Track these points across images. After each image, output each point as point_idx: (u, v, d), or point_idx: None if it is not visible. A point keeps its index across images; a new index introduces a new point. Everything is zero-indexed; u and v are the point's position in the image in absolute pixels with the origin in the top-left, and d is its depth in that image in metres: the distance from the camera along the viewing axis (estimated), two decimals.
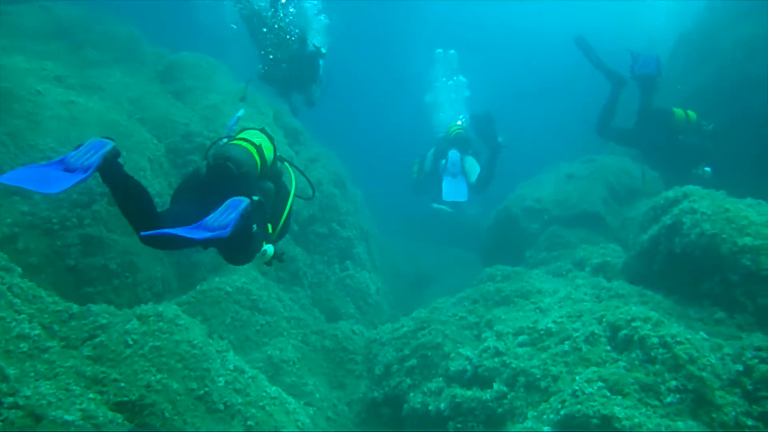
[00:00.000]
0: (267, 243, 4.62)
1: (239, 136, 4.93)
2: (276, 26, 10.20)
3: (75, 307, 6.13)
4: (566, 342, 6.02)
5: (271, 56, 10.26)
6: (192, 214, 4.18)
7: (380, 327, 8.93)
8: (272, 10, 10.26)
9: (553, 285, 7.66)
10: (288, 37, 10.26)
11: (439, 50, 15.98)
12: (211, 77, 11.66)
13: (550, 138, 19.68)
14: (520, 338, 6.47)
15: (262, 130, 5.15)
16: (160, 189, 8.93)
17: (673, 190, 7.60)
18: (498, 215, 12.19)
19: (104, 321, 6.05)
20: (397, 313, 11.70)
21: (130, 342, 5.85)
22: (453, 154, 11.79)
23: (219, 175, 4.47)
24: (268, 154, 4.94)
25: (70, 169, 3.65)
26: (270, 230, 4.78)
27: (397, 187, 19.84)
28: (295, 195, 5.16)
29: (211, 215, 3.86)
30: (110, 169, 3.85)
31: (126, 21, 12.71)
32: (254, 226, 4.26)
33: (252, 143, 4.79)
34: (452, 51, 14.73)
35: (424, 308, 8.11)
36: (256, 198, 4.47)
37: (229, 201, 3.97)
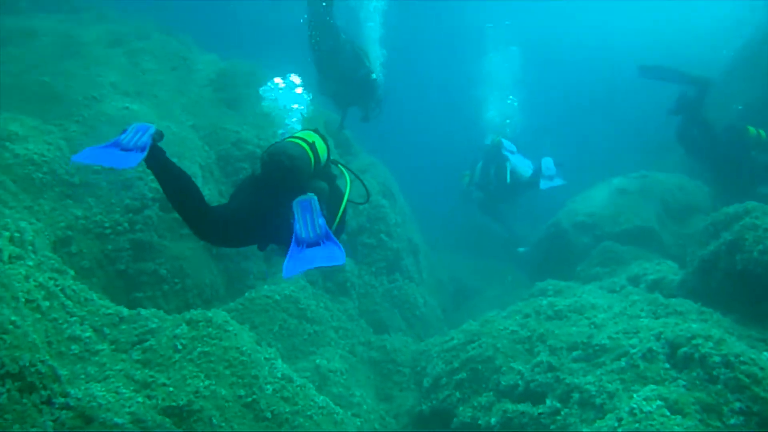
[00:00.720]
0: None
1: (294, 135, 5.04)
2: (336, 55, 10.11)
3: (125, 311, 6.15)
4: (623, 358, 5.85)
5: (327, 76, 10.23)
6: (246, 208, 4.46)
7: (428, 339, 8.83)
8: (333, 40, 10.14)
9: (607, 300, 7.48)
10: (347, 64, 10.21)
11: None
12: (262, 83, 11.72)
13: (600, 152, 19.32)
14: (575, 353, 6.33)
15: (316, 131, 5.25)
16: (209, 196, 8.98)
17: (733, 206, 7.38)
18: (548, 229, 12.01)
19: (154, 325, 6.04)
20: (443, 326, 11.58)
21: (179, 347, 5.84)
22: (546, 160, 12.62)
23: (273, 170, 4.62)
24: (322, 152, 5.05)
25: (126, 149, 3.87)
26: None
27: (441, 198, 19.82)
28: (349, 200, 5.20)
29: (297, 226, 4.06)
30: (156, 152, 4.03)
31: (180, 29, 12.88)
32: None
33: (305, 141, 4.90)
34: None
35: (474, 320, 7.97)
36: (309, 194, 4.48)
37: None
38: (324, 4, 9.94)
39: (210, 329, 6.20)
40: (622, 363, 5.79)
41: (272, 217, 4.51)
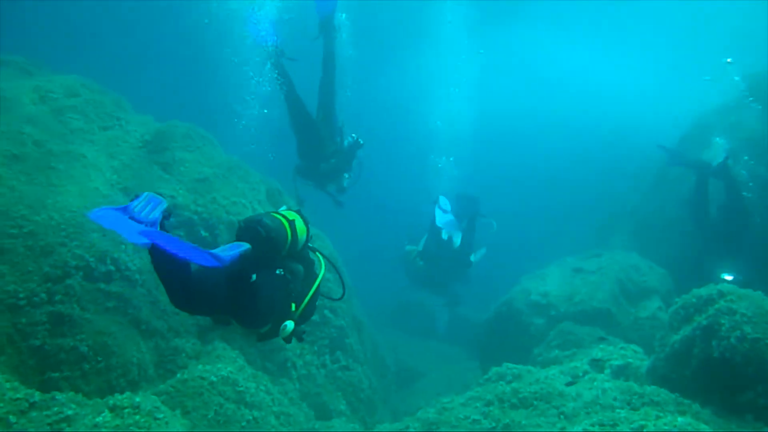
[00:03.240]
0: (288, 320, 4.64)
1: (274, 211, 4.93)
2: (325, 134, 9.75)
3: (37, 395, 5.35)
4: None
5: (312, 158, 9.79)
6: (218, 276, 4.26)
7: (377, 427, 8.10)
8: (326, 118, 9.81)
9: (575, 388, 6.93)
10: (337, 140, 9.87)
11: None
12: (201, 149, 11.07)
13: (549, 231, 19.24)
14: None
15: (298, 212, 5.11)
16: (141, 265, 8.23)
17: (705, 288, 7.00)
18: (499, 309, 11.48)
19: (70, 412, 5.28)
20: (388, 410, 10.86)
21: None
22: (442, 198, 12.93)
23: (246, 240, 4.41)
24: (301, 233, 4.95)
25: (135, 219, 3.65)
26: (293, 308, 4.75)
27: (379, 274, 19.27)
28: (322, 294, 5.18)
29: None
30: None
31: (115, 88, 12.20)
32: (254, 276, 4.31)
33: (285, 217, 4.83)
34: None
35: (430, 408, 7.29)
36: (279, 271, 4.62)
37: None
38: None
39: (137, 416, 5.44)
40: None
41: (237, 289, 4.31)
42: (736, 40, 17.46)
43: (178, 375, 7.43)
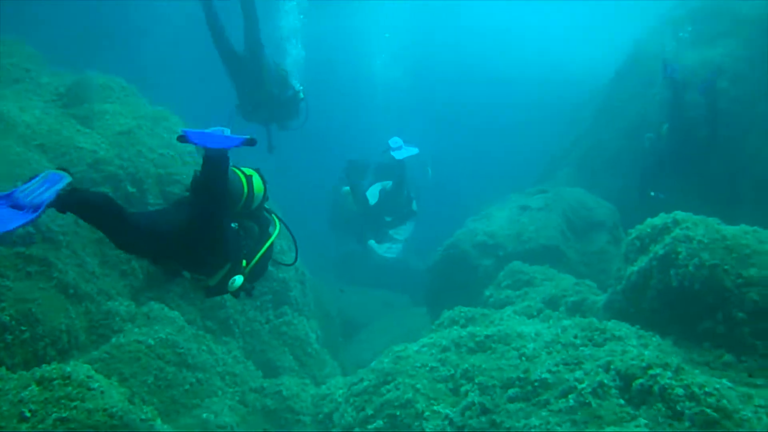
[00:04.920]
0: (238, 275, 4.67)
1: (232, 166, 4.88)
2: (257, 70, 9.56)
3: None
4: (570, 396, 5.01)
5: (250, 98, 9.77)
6: (166, 218, 4.30)
7: (330, 381, 7.78)
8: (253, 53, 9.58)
9: (533, 327, 6.68)
10: (270, 81, 9.72)
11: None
12: (122, 100, 10.36)
13: (494, 174, 19.08)
14: (510, 392, 5.44)
15: (257, 170, 5.14)
16: (65, 225, 7.62)
17: (660, 217, 6.81)
18: (445, 252, 11.15)
19: None
20: (337, 364, 10.55)
21: (27, 414, 4.63)
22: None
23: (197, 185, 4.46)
24: (258, 190, 4.98)
25: (17, 206, 3.49)
26: (244, 264, 4.78)
27: (319, 224, 18.85)
28: (274, 259, 5.35)
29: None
30: (65, 202, 3.72)
31: (29, 41, 11.33)
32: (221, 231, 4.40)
33: (243, 172, 4.89)
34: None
35: (385, 357, 6.95)
36: (234, 225, 4.74)
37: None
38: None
39: (69, 388, 4.97)
40: (570, 401, 4.96)
41: (188, 239, 4.29)
42: None
43: (113, 340, 6.93)
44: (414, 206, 14.00)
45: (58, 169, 3.87)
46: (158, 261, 4.60)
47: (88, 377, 5.23)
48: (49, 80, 10.20)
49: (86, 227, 8.05)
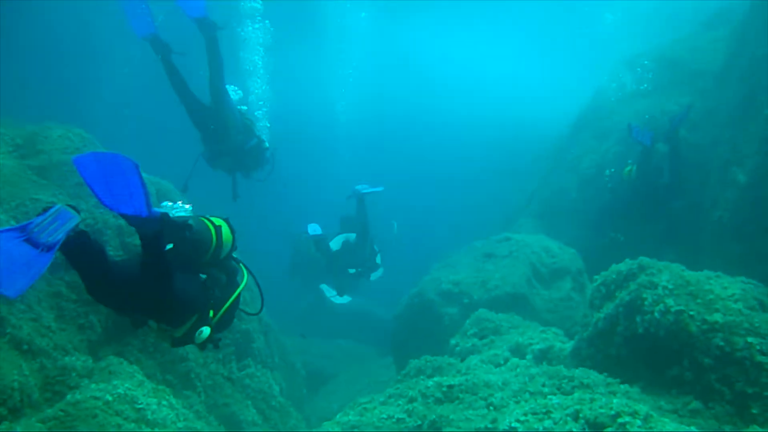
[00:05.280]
0: (205, 326, 4.57)
1: (201, 216, 4.95)
2: (222, 120, 9.46)
3: None
4: None
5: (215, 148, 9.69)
6: (125, 270, 4.12)
7: None
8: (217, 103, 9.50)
9: (500, 376, 6.61)
10: (234, 130, 9.64)
11: None
12: (81, 150, 10.16)
13: (456, 224, 19.17)
14: None
15: (226, 220, 5.10)
16: None
17: (625, 263, 6.83)
18: (410, 301, 11.08)
19: None
20: (302, 416, 10.32)
21: None
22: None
23: (172, 242, 4.42)
24: (226, 240, 4.93)
25: (32, 242, 3.37)
26: (211, 315, 4.68)
27: (283, 276, 18.65)
28: (240, 308, 5.19)
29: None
30: (69, 244, 3.64)
31: None
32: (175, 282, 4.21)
33: (212, 222, 4.83)
34: None
35: (351, 410, 6.80)
36: (203, 276, 4.67)
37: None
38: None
39: None
40: None
41: (144, 292, 4.14)
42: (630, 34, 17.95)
43: (68, 397, 6.65)
44: (378, 259, 14.11)
45: (68, 206, 3.71)
46: (123, 311, 4.50)
47: None
48: (5, 131, 9.99)
49: (42, 279, 7.83)
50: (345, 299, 14.23)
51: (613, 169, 11.90)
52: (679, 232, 10.71)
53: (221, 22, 9.48)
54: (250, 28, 15.21)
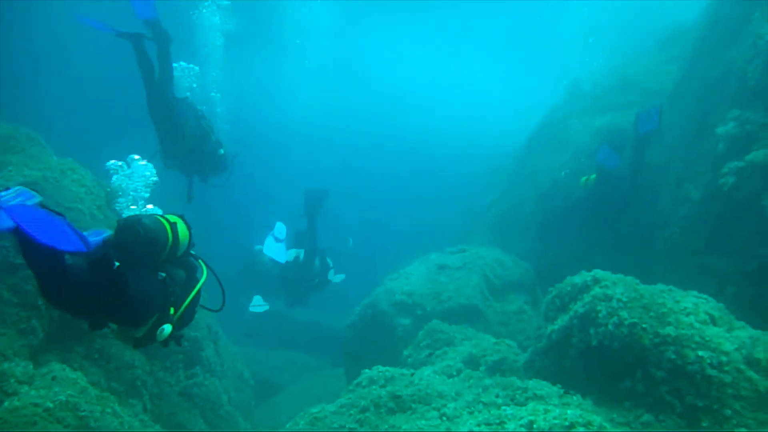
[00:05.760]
0: (167, 323, 4.61)
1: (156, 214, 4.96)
2: (177, 122, 9.36)
3: None
4: None
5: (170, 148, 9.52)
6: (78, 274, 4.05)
7: None
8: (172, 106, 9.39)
9: (453, 387, 6.55)
10: (189, 134, 9.56)
11: None
12: (27, 151, 9.87)
13: (410, 235, 19.11)
14: None
15: (181, 217, 5.11)
16: None
17: (580, 275, 6.85)
18: (363, 311, 10.96)
19: None
20: (250, 427, 10.12)
21: None
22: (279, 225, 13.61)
23: (124, 238, 4.40)
24: (183, 237, 4.93)
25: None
26: (172, 312, 4.71)
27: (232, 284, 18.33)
28: (201, 304, 5.28)
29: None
30: (29, 240, 3.58)
31: None
32: (130, 283, 4.22)
33: (167, 219, 4.82)
34: None
35: (301, 419, 6.67)
36: (162, 275, 4.67)
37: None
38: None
39: None
40: None
41: (105, 281, 4.15)
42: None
43: (6, 404, 6.39)
44: (330, 275, 14.09)
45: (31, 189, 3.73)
46: (80, 315, 4.48)
47: None
48: None
49: None
50: (262, 308, 14.06)
51: (567, 170, 11.98)
52: (629, 249, 10.82)
53: (173, 32, 9.37)
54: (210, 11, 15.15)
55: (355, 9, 23.17)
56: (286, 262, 14.05)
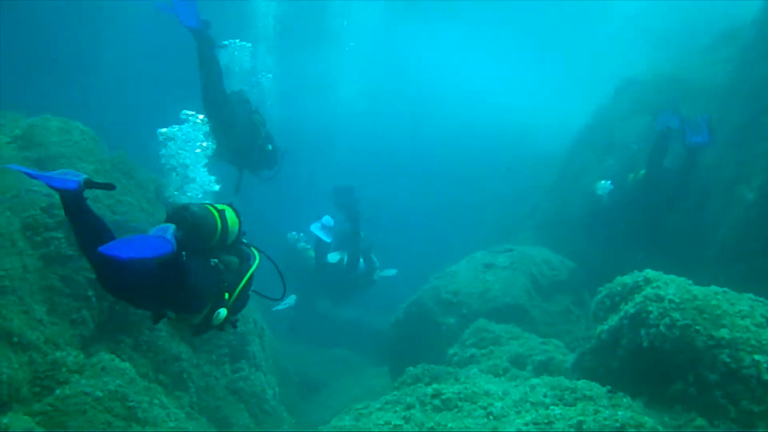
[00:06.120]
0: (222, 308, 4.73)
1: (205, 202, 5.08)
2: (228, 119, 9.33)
3: None
4: None
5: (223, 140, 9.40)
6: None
7: None
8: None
9: (500, 386, 6.48)
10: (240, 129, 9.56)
11: None
12: (80, 144, 10.04)
13: (456, 234, 19.02)
14: None
15: (230, 204, 5.21)
16: (12, 270, 7.29)
17: (630, 276, 6.72)
18: (408, 309, 10.96)
19: None
20: (294, 422, 10.17)
21: None
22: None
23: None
24: (232, 224, 5.00)
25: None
26: (226, 297, 4.82)
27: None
28: (254, 290, 5.36)
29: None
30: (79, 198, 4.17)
31: None
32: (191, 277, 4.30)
33: (215, 207, 4.93)
34: None
35: (346, 415, 6.67)
36: (214, 261, 4.79)
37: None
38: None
39: None
40: None
41: (168, 272, 4.18)
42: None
43: (57, 392, 6.51)
44: (377, 274, 14.11)
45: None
46: (138, 304, 4.70)
47: (28, 430, 4.87)
48: (5, 122, 9.89)
49: (35, 272, 7.72)
50: (286, 304, 14.05)
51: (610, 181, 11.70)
52: (678, 251, 10.57)
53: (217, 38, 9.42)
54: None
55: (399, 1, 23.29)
56: (331, 264, 14.12)
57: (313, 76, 23.95)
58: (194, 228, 4.55)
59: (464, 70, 27.98)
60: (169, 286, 4.23)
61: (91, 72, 23.48)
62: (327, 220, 14.17)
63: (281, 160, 10.18)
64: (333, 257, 14.01)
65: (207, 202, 5.11)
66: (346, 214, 13.91)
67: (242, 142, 9.44)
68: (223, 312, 4.74)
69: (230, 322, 4.93)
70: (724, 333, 5.75)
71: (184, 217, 4.54)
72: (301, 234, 15.54)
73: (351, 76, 25.23)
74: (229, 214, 5.04)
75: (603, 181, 11.74)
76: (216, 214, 4.86)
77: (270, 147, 9.89)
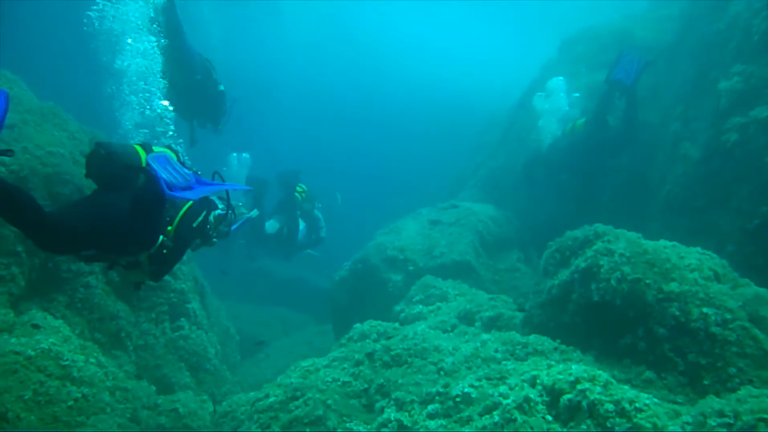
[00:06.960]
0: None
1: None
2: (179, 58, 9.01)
3: None
4: (494, 412, 4.69)
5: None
6: (80, 207, 4.41)
7: (231, 398, 7.21)
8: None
9: (450, 342, 6.38)
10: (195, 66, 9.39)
11: None
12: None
13: (401, 192, 18.89)
14: (430, 408, 5.08)
15: (169, 147, 5.22)
16: None
17: (581, 230, 6.65)
18: (353, 267, 10.77)
19: None
20: (236, 381, 9.96)
21: None
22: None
23: (90, 162, 4.47)
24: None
25: None
26: (169, 229, 4.91)
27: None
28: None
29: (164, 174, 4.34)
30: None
31: None
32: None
33: (139, 144, 4.88)
34: None
35: (293, 372, 6.49)
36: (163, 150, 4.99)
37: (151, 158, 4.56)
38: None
39: None
40: (495, 417, 4.63)
41: (105, 218, 4.31)
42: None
43: None
44: (323, 233, 13.89)
45: None
46: (92, 257, 4.66)
47: None
48: None
49: None
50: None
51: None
52: (624, 208, 10.60)
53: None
54: None
55: None
56: (272, 234, 13.76)
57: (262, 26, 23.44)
58: (108, 159, 4.49)
59: (415, 31, 27.68)
60: (135, 222, 4.32)
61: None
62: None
63: (229, 111, 10.01)
64: (271, 226, 13.63)
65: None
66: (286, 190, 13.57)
67: (196, 81, 9.14)
68: (167, 241, 4.77)
69: (167, 247, 4.84)
70: (673, 286, 5.74)
71: (96, 151, 4.52)
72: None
73: (295, 37, 24.71)
74: (157, 149, 5.04)
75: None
76: (138, 147, 4.81)
77: (222, 87, 9.65)
